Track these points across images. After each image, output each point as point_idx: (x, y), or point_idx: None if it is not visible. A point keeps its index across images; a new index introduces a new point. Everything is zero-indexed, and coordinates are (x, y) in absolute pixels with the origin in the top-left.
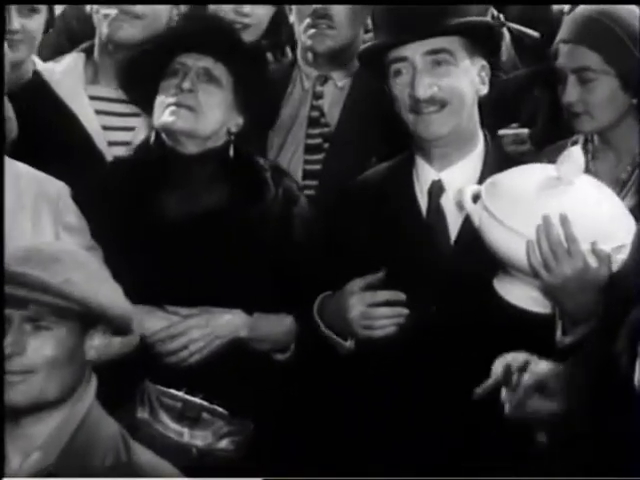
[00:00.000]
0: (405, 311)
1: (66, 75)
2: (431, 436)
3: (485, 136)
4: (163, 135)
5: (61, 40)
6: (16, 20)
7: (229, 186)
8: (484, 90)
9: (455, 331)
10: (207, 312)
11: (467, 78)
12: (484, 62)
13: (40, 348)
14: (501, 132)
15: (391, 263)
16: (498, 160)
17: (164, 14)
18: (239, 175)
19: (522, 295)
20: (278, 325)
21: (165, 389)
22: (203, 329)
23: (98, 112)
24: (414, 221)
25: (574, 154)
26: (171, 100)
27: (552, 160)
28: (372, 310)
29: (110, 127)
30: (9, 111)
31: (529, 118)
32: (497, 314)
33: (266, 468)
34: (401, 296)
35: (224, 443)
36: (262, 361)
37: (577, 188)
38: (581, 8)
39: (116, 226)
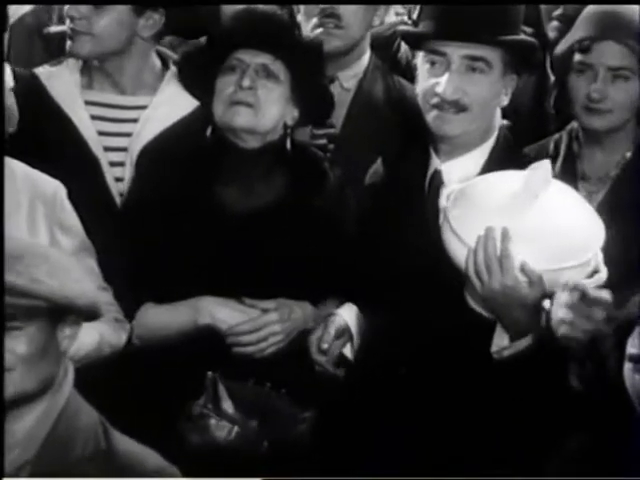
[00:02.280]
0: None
1: (61, 80)
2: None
3: (499, 133)
4: (221, 130)
5: (34, 41)
6: None
7: (288, 178)
8: (505, 102)
9: (431, 322)
10: (285, 306)
11: (495, 89)
12: (515, 76)
13: (13, 348)
14: None
15: (393, 248)
16: (503, 156)
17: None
18: (298, 167)
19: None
20: None
21: (233, 381)
22: (284, 323)
23: (94, 117)
24: (417, 208)
25: (541, 168)
26: (231, 97)
27: (536, 157)
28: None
29: (106, 133)
30: (10, 100)
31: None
32: (467, 311)
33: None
34: None
35: (294, 433)
36: None
37: (539, 203)
38: (606, 7)
39: (177, 221)
